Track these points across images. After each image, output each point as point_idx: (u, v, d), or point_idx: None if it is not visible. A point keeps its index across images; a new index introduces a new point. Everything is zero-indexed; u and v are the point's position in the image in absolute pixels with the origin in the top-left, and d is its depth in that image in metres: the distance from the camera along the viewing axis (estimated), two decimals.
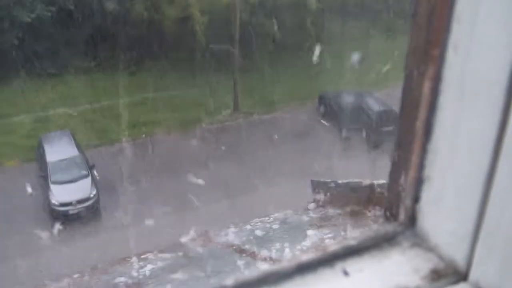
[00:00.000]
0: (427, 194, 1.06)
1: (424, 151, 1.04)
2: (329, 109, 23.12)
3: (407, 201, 1.09)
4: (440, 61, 0.95)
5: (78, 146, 19.04)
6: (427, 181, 1.05)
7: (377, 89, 22.88)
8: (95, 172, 18.57)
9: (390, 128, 19.31)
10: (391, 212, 1.15)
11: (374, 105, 21.83)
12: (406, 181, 1.09)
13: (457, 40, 0.92)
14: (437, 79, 0.97)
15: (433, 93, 0.98)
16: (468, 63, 0.91)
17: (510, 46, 0.85)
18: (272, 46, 26.55)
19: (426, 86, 0.99)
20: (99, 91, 23.57)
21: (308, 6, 26.02)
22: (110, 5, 24.30)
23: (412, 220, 1.10)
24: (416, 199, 1.08)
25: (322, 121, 22.73)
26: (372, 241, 1.11)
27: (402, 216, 1.11)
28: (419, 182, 1.06)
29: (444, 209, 1.03)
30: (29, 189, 17.19)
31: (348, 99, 22.63)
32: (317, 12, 26.38)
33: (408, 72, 1.03)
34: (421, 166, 1.05)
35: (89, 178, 17.92)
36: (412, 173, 1.07)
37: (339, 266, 1.06)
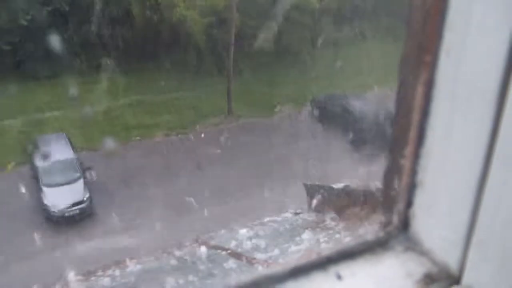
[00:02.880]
0: (420, 199, 1.07)
1: (416, 156, 1.05)
2: (324, 112, 23.12)
3: (400, 206, 1.10)
4: (432, 67, 0.96)
5: (73, 149, 18.98)
6: (420, 186, 1.06)
7: (372, 92, 22.92)
8: (92, 173, 18.50)
9: (383, 130, 19.32)
10: (385, 217, 1.15)
11: (366, 108, 21.83)
12: (399, 186, 1.09)
13: (449, 46, 0.93)
14: (429, 85, 0.98)
15: (426, 98, 0.99)
16: (460, 69, 0.92)
17: (501, 53, 0.86)
18: (268, 49, 26.57)
19: (419, 92, 1.00)
20: (94, 94, 23.51)
21: (304, 9, 26.08)
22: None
23: (405, 224, 1.10)
24: (409, 203, 1.08)
25: (318, 124, 22.75)
26: (365, 245, 1.11)
27: (395, 220, 1.12)
28: (412, 187, 1.07)
29: (437, 214, 1.03)
30: (25, 192, 17.10)
31: (342, 102, 22.65)
32: (314, 15, 26.44)
33: (402, 77, 1.04)
34: (414, 171, 1.06)
35: (82, 181, 17.86)
36: (405, 178, 1.08)
37: (333, 270, 1.07)
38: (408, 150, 1.06)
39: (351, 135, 21.31)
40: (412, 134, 1.04)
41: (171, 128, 22.25)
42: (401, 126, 1.07)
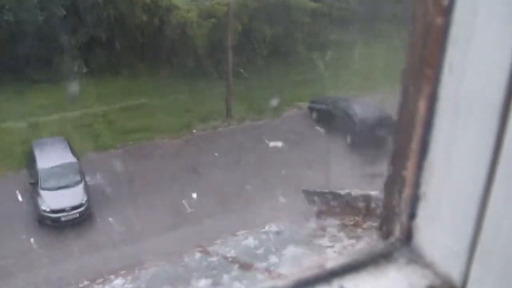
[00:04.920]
0: (423, 211, 1.07)
1: (420, 168, 1.05)
2: (323, 115, 23.14)
3: (403, 218, 1.10)
4: (435, 80, 0.97)
5: (72, 152, 18.92)
6: (423, 198, 1.06)
7: (369, 94, 22.95)
8: (91, 177, 18.48)
9: (381, 133, 19.33)
10: (387, 228, 1.16)
11: (364, 111, 21.85)
12: (402, 197, 1.10)
13: (453, 60, 0.93)
14: (432, 98, 0.98)
15: (429, 112, 0.99)
16: (463, 83, 0.93)
17: (504, 67, 0.86)
18: (266, 52, 26.62)
19: (422, 105, 1.00)
20: (93, 97, 23.51)
21: (303, 12, 26.15)
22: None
23: (408, 236, 1.10)
24: (412, 215, 1.09)
25: (316, 127, 22.77)
26: (368, 258, 1.11)
27: (398, 232, 1.12)
28: (415, 199, 1.07)
29: (440, 226, 1.04)
30: (23, 196, 17.06)
31: (341, 105, 22.66)
32: (312, 18, 26.51)
33: (404, 90, 1.04)
34: (417, 183, 1.06)
35: (82, 184, 17.81)
36: (407, 190, 1.08)
37: (336, 283, 1.07)
38: (411, 162, 1.06)
39: (350, 138, 21.33)
40: (415, 146, 1.04)
41: (169, 131, 22.24)
42: (403, 138, 1.07)
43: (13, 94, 22.13)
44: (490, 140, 0.90)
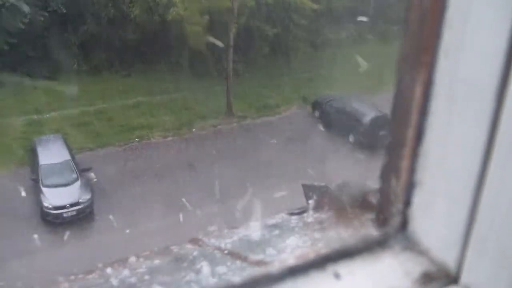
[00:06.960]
0: (419, 198, 1.07)
1: (415, 155, 1.05)
2: (324, 113, 23.14)
3: (399, 205, 1.10)
4: (431, 66, 0.96)
5: (70, 150, 18.97)
6: (418, 185, 1.06)
7: (371, 94, 22.94)
8: (92, 175, 18.54)
9: (383, 132, 19.30)
10: (383, 216, 1.16)
11: (366, 109, 21.86)
12: (398, 185, 1.09)
13: (448, 46, 0.93)
14: (428, 85, 0.98)
15: (425, 98, 0.99)
16: (458, 68, 0.92)
17: (499, 52, 0.86)
18: (267, 50, 26.60)
19: (418, 91, 1.00)
20: (92, 95, 23.50)
21: (303, 11, 26.12)
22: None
23: (403, 223, 1.10)
24: (407, 203, 1.08)
25: (318, 125, 22.75)
26: (364, 245, 1.11)
27: (393, 219, 1.12)
28: (410, 186, 1.07)
29: (435, 213, 1.03)
30: (23, 193, 17.10)
31: (341, 104, 22.66)
32: (312, 17, 26.50)
33: (400, 77, 1.04)
34: (412, 170, 1.06)
35: (79, 182, 17.88)
36: (403, 177, 1.08)
37: (331, 269, 1.07)
38: (407, 150, 1.06)
39: (351, 136, 21.32)
40: (411, 133, 1.04)
41: (168, 129, 22.23)
42: (399, 125, 1.07)
43: (12, 92, 22.12)
44: (485, 125, 0.90)
